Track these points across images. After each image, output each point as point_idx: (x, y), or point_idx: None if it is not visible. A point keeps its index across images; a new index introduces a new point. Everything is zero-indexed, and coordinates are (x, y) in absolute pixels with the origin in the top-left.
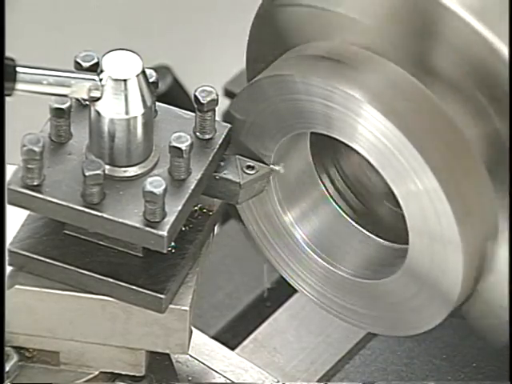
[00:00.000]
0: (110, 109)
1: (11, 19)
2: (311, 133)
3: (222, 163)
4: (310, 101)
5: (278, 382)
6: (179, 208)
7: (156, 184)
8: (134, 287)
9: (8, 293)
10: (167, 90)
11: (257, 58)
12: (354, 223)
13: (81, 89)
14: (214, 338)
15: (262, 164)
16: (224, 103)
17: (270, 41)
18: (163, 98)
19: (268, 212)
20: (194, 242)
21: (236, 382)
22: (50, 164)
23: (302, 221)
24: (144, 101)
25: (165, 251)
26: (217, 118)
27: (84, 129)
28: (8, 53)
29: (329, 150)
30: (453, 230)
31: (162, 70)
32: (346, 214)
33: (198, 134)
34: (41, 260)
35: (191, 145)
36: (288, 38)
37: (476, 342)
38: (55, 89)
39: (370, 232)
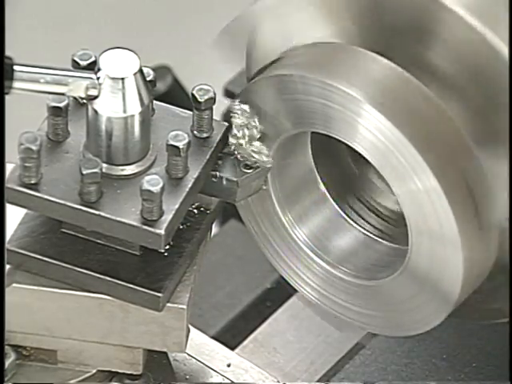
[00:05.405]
0: (108, 107)
1: (11, 19)
2: (312, 132)
3: (220, 162)
4: (310, 101)
5: (278, 382)
6: (176, 206)
7: (153, 182)
8: (131, 286)
9: (5, 291)
10: (167, 90)
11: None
12: (353, 223)
13: (78, 87)
14: (213, 337)
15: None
16: (224, 103)
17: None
18: (163, 97)
19: (268, 212)
20: (191, 240)
21: (236, 382)
22: (47, 162)
23: (302, 221)
24: (141, 99)
25: (162, 249)
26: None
27: (81, 127)
28: (7, 52)
29: (329, 150)
30: (453, 230)
31: (162, 69)
32: (346, 214)
33: (195, 132)
34: (38, 258)
35: (189, 143)
36: (288, 37)
37: (476, 342)
38: (53, 87)
39: (370, 232)
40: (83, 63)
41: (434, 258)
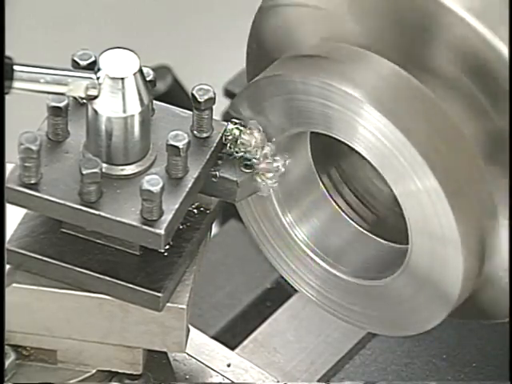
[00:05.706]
0: (108, 107)
1: (11, 19)
2: (311, 132)
3: (220, 161)
4: (310, 101)
5: (278, 382)
6: (176, 206)
7: (153, 182)
8: (131, 285)
9: (5, 291)
10: (167, 90)
11: (257, 58)
12: (353, 223)
13: (78, 87)
14: (213, 338)
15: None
16: (224, 103)
17: (270, 41)
18: (163, 97)
19: (268, 212)
20: (191, 240)
21: (236, 382)
22: (47, 162)
23: (302, 221)
24: (141, 99)
25: (162, 249)
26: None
27: (81, 127)
28: (7, 52)
29: (329, 150)
30: (453, 229)
31: (162, 69)
32: (346, 214)
33: (195, 132)
34: (38, 258)
35: (188, 143)
36: (287, 37)
37: (476, 342)
38: (53, 87)
39: (370, 232)
40: (83, 63)
41: (435, 258)
